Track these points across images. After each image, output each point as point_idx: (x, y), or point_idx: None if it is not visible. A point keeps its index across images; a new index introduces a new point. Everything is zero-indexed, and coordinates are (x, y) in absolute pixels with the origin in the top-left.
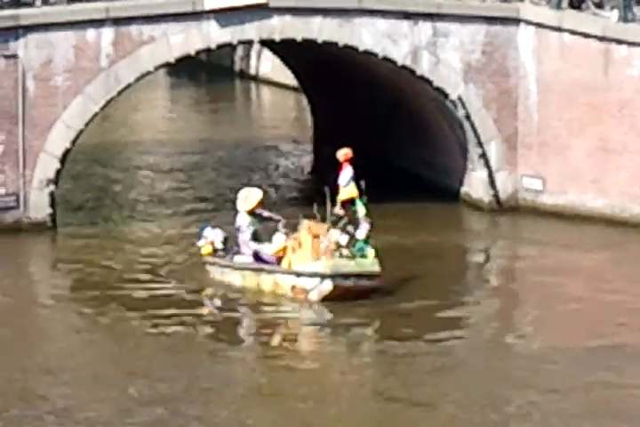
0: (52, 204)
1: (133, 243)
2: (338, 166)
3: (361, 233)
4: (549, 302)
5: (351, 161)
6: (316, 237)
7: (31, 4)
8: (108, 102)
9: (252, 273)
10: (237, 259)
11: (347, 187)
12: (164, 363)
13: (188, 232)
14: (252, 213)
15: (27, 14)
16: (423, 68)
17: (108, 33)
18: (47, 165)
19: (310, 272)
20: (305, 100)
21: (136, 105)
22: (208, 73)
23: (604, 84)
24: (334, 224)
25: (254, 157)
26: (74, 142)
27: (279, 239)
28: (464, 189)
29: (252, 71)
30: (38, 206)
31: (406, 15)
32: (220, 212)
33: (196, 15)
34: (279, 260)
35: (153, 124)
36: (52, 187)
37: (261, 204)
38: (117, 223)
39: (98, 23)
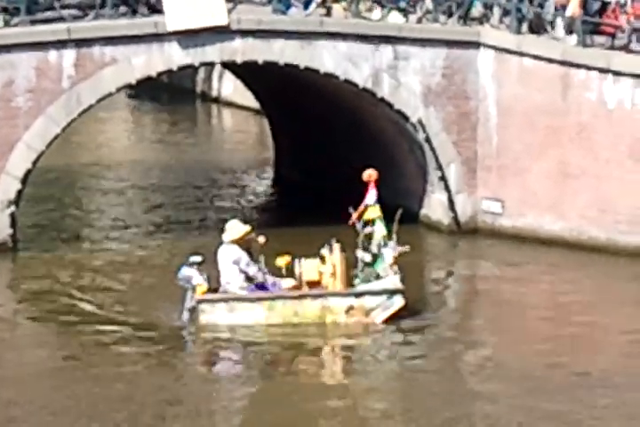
0: (13, 225)
1: (95, 264)
2: (364, 187)
3: (388, 252)
4: (507, 325)
5: (376, 182)
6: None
7: None
8: (70, 124)
9: (287, 302)
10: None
11: (373, 206)
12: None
13: (150, 254)
14: (239, 244)
15: None
16: (384, 91)
17: (69, 54)
18: (8, 186)
19: (381, 289)
20: (266, 123)
21: (97, 127)
22: (170, 95)
23: (562, 107)
24: (364, 244)
25: (215, 179)
26: (35, 163)
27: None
28: (423, 212)
29: (214, 93)
30: None
31: (367, 38)
32: (179, 233)
33: (158, 37)
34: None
35: (114, 147)
36: (12, 208)
37: (248, 235)
38: (79, 245)
39: (60, 44)
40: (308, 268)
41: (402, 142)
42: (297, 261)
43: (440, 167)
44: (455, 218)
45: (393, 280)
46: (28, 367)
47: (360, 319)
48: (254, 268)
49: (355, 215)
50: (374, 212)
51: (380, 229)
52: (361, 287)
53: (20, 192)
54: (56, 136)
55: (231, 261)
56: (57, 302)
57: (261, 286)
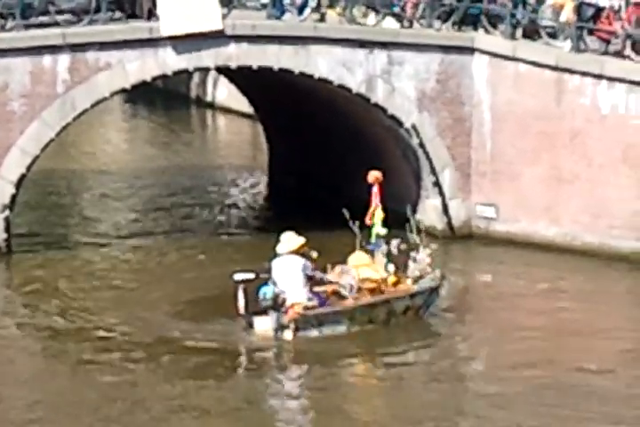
0: (8, 229)
1: (89, 269)
2: (368, 188)
3: (421, 256)
4: (501, 331)
5: (381, 183)
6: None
7: None
8: (64, 128)
9: (364, 310)
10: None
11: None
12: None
13: (145, 259)
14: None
15: None
16: (378, 96)
17: (64, 59)
18: (2, 191)
19: (428, 288)
20: (260, 128)
21: (91, 131)
22: (164, 100)
23: (556, 113)
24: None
25: (210, 184)
26: (29, 168)
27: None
28: (417, 217)
29: (209, 98)
30: None
31: (362, 43)
32: (173, 237)
33: (153, 42)
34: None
35: (108, 151)
36: (7, 212)
37: (303, 248)
38: (73, 250)
39: (54, 49)
40: (365, 275)
41: (396, 147)
42: (348, 264)
43: (434, 172)
44: (449, 223)
45: (433, 278)
46: (22, 367)
47: (414, 318)
48: (318, 271)
49: (368, 216)
50: (380, 213)
51: (377, 229)
52: (415, 287)
53: (14, 197)
54: (50, 141)
55: (299, 269)
56: (52, 307)
57: (320, 295)
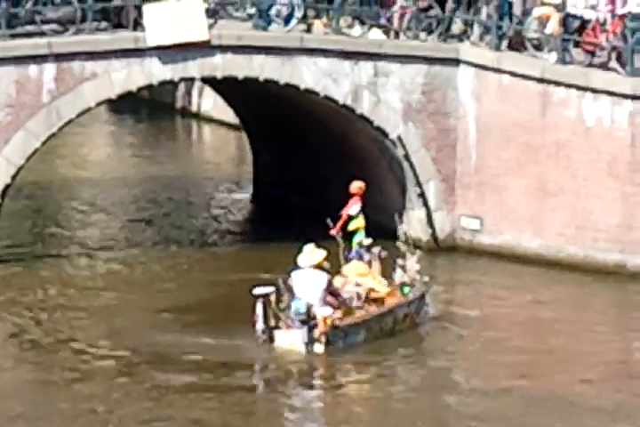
0: None
1: (74, 281)
2: (348, 197)
3: (412, 263)
4: (484, 342)
5: (362, 195)
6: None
7: None
8: (49, 138)
9: (378, 320)
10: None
11: (357, 218)
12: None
13: (129, 270)
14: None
15: None
16: (363, 108)
17: (50, 68)
18: None
19: (420, 294)
20: (246, 138)
21: (76, 141)
22: (150, 110)
23: (541, 125)
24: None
25: (194, 194)
26: (14, 178)
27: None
28: (402, 228)
29: (194, 108)
30: None
31: (347, 55)
32: (158, 248)
33: (139, 52)
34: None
35: (93, 162)
36: None
37: (324, 262)
38: (57, 260)
39: (40, 58)
40: (370, 285)
41: (381, 159)
42: (346, 272)
43: (419, 184)
44: (433, 235)
45: (421, 284)
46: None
47: (409, 325)
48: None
49: (337, 226)
50: (358, 222)
51: (366, 240)
52: (410, 295)
53: None
54: (35, 150)
55: (322, 286)
56: (35, 319)
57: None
